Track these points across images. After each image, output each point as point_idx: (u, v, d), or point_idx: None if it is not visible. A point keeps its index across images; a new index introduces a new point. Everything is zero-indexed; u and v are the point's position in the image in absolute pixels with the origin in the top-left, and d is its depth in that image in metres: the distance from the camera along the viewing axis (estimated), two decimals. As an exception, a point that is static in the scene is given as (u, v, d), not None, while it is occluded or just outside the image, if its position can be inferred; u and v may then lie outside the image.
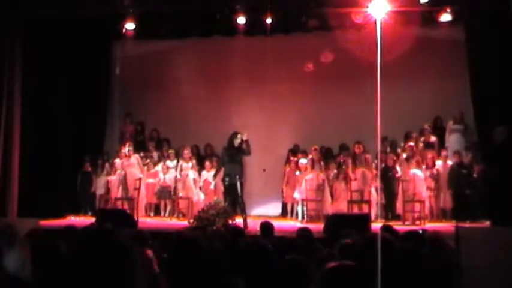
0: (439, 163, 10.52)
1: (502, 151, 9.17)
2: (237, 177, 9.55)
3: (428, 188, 10.30)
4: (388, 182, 10.53)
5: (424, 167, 10.39)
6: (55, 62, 11.43)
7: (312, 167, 10.52)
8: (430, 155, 10.54)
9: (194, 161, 11.29)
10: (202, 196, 10.91)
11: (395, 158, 10.69)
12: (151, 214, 11.44)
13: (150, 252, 3.61)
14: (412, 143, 10.51)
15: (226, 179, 9.68)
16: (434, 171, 10.40)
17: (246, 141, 9.59)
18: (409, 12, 10.77)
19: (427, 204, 10.11)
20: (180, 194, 11.00)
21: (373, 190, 10.32)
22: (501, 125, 9.38)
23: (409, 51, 11.57)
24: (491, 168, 9.45)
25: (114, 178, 11.08)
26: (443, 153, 10.66)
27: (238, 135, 9.63)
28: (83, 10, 10.16)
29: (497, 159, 9.24)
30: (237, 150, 9.60)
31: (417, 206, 9.98)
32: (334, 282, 2.39)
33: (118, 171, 10.87)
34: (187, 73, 12.71)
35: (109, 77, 12.80)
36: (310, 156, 10.72)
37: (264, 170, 11.71)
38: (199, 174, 11.28)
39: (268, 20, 10.85)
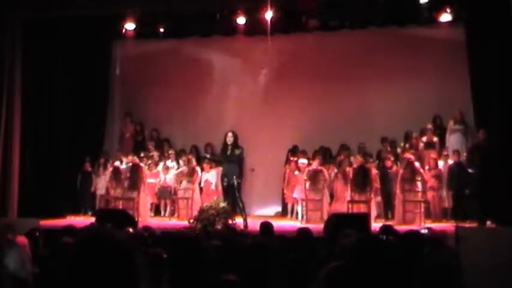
0: (440, 163, 10.51)
1: (484, 153, 9.22)
2: (234, 177, 9.55)
3: (431, 188, 10.29)
4: (386, 182, 10.53)
5: (427, 167, 10.38)
6: (55, 62, 11.44)
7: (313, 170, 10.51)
8: (432, 155, 10.53)
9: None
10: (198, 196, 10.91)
11: (392, 159, 10.69)
12: (152, 214, 11.43)
13: (152, 252, 3.61)
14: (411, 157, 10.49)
15: (225, 179, 9.69)
16: (437, 171, 10.39)
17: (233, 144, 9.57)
18: (409, 12, 10.83)
19: (429, 204, 10.14)
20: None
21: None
22: (487, 128, 9.46)
23: (409, 51, 11.60)
24: (476, 170, 9.51)
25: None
26: (445, 153, 10.65)
27: (229, 134, 9.65)
28: (83, 10, 10.16)
29: (481, 161, 9.29)
30: (232, 151, 9.60)
31: (417, 206, 9.98)
32: (336, 282, 2.39)
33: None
34: (187, 73, 12.70)
35: (109, 77, 12.80)
36: (311, 162, 10.69)
37: (252, 170, 11.67)
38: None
39: (268, 20, 10.84)
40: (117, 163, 11.09)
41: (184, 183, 11.05)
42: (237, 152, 9.62)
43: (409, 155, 10.28)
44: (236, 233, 7.14)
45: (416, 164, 10.21)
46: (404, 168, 10.16)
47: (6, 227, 5.20)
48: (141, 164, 10.95)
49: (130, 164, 10.87)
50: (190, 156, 11.36)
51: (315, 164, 10.52)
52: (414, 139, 10.99)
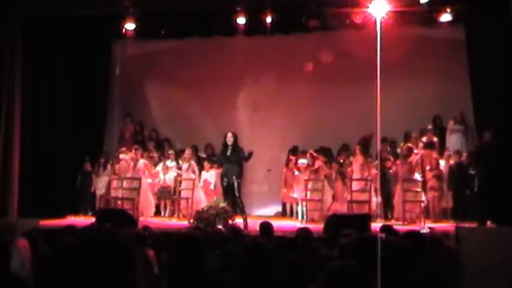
0: (441, 163, 10.52)
1: (490, 154, 9.22)
2: (234, 177, 9.56)
3: (431, 188, 10.30)
4: (385, 182, 10.54)
5: (428, 167, 10.39)
6: (55, 62, 11.45)
7: (312, 168, 10.50)
8: (434, 155, 10.55)
9: (193, 162, 11.30)
10: (202, 196, 10.89)
11: (392, 159, 10.71)
12: (151, 214, 11.42)
13: (150, 253, 3.61)
14: (409, 144, 10.49)
15: (224, 179, 9.69)
16: (438, 171, 10.41)
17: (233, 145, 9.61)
18: (409, 12, 10.81)
19: (429, 204, 10.15)
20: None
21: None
22: (492, 128, 9.47)
23: (409, 51, 11.58)
24: (480, 171, 9.52)
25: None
26: (447, 153, 10.65)
27: (228, 134, 9.66)
28: (83, 10, 10.16)
29: (486, 162, 9.30)
30: (232, 151, 9.60)
31: (417, 206, 9.99)
32: (336, 282, 2.39)
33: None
34: (188, 73, 12.70)
35: (109, 77, 12.80)
36: (308, 161, 10.69)
37: (269, 170, 11.70)
38: (199, 174, 11.31)
39: (268, 20, 10.86)
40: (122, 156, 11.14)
41: (184, 184, 11.04)
42: (248, 152, 9.64)
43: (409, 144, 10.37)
44: (239, 233, 7.13)
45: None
46: (404, 157, 10.19)
47: (6, 227, 5.20)
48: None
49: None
50: (189, 151, 11.35)
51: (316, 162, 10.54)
52: (414, 139, 11.00)
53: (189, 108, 12.76)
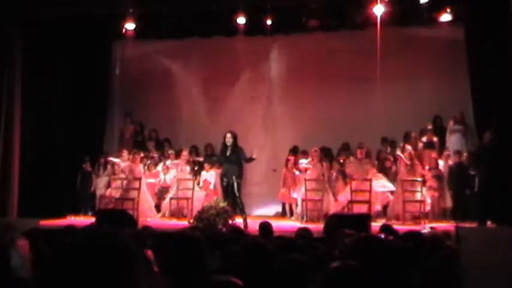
0: (441, 163, 10.53)
1: (490, 154, 9.23)
2: (234, 177, 9.55)
3: (431, 187, 10.31)
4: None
5: (427, 167, 10.40)
6: (55, 62, 11.45)
7: (314, 167, 10.51)
8: (433, 155, 10.55)
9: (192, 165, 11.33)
10: (202, 196, 10.89)
11: (392, 159, 10.72)
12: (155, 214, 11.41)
13: (149, 253, 3.61)
14: (409, 147, 10.49)
15: (224, 179, 9.69)
16: (438, 171, 10.42)
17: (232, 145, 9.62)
18: (409, 12, 10.82)
19: (428, 204, 10.15)
20: (171, 194, 11.06)
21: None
22: (492, 128, 9.47)
23: (409, 51, 11.59)
24: (480, 171, 9.52)
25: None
26: (446, 153, 10.66)
27: (228, 135, 9.67)
28: (83, 10, 10.17)
29: (486, 162, 9.31)
30: (232, 151, 9.61)
31: (417, 206, 9.99)
32: (337, 282, 2.39)
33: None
34: (187, 73, 12.71)
35: (109, 77, 12.80)
36: (310, 159, 10.68)
37: (275, 170, 11.71)
38: (199, 174, 11.32)
39: (269, 20, 10.87)
40: (117, 160, 11.15)
41: (184, 184, 11.04)
42: (250, 157, 9.65)
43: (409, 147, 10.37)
44: (240, 233, 7.14)
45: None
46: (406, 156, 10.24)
47: (6, 227, 5.20)
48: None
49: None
50: (186, 152, 11.36)
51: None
52: (413, 139, 11.00)
53: (189, 108, 12.76)
